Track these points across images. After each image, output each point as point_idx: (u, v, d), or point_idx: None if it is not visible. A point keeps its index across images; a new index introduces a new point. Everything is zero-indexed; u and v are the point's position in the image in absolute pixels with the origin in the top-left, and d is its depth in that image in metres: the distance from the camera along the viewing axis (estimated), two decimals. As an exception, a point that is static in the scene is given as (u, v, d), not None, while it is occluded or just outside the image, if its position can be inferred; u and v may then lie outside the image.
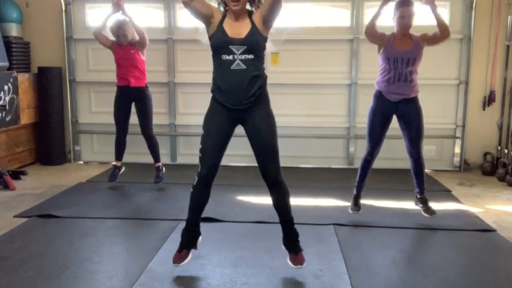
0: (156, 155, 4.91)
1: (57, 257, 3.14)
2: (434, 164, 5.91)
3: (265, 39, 2.73)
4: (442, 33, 3.60)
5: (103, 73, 5.91)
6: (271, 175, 2.78)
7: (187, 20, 6.01)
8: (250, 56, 2.66)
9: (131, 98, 4.76)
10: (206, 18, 2.71)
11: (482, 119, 5.88)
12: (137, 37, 4.62)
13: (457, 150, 5.95)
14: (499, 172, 5.46)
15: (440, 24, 3.58)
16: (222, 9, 2.77)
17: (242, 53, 2.65)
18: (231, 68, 2.67)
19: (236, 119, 2.79)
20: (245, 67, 2.66)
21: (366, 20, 5.79)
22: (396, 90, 3.63)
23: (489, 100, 5.79)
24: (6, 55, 5.37)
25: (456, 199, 4.64)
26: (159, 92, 6.05)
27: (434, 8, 3.58)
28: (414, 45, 3.63)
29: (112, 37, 4.70)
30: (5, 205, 4.31)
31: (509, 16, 5.61)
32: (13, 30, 5.84)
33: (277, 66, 5.88)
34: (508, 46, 5.67)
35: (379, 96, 3.72)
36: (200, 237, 3.03)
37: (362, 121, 5.68)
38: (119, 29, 4.57)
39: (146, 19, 6.03)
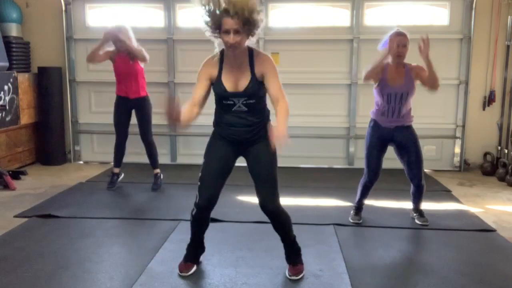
0: (154, 161, 4.87)
1: (57, 257, 3.14)
2: (434, 164, 5.91)
3: (264, 85, 2.69)
4: (430, 86, 3.54)
5: (103, 73, 5.90)
6: (269, 204, 2.75)
7: (187, 20, 6.02)
8: (251, 101, 2.66)
9: (130, 106, 4.72)
10: (211, 81, 2.70)
11: (482, 119, 5.88)
12: (135, 45, 4.48)
13: (457, 150, 5.95)
14: (499, 172, 5.47)
15: (432, 77, 3.49)
16: (217, 49, 2.67)
17: (243, 100, 2.65)
18: (233, 109, 2.67)
19: (238, 151, 2.79)
20: (246, 109, 2.67)
21: (366, 20, 5.83)
22: (390, 121, 3.64)
23: (489, 100, 5.80)
24: (6, 55, 5.37)
25: (456, 199, 4.64)
26: (159, 92, 6.04)
27: (429, 63, 3.45)
28: (406, 77, 3.56)
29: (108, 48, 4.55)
30: (5, 205, 4.31)
31: (509, 16, 5.61)
32: (13, 30, 5.84)
33: (277, 66, 5.85)
34: (508, 46, 5.67)
35: (374, 125, 3.72)
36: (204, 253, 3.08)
37: (362, 121, 5.70)
38: (116, 35, 4.42)
39: (146, 19, 6.04)
